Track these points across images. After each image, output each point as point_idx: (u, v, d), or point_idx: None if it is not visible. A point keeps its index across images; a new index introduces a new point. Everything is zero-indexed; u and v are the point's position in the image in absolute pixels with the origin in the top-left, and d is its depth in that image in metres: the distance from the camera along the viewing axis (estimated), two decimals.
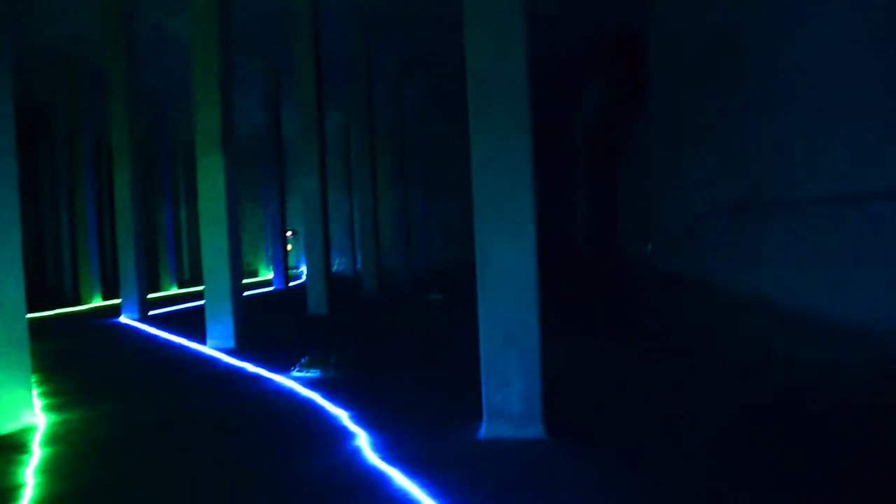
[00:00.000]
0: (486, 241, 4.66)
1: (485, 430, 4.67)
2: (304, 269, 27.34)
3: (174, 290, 19.65)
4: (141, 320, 12.72)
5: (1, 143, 5.48)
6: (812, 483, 3.75)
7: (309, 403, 5.90)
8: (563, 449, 4.37)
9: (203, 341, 9.35)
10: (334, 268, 25.99)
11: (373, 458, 4.38)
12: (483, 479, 3.92)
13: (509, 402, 4.63)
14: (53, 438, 5.15)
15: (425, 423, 5.20)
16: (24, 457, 4.72)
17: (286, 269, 19.59)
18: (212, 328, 9.12)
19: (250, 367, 7.58)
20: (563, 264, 21.82)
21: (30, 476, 4.32)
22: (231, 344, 9.01)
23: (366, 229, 16.39)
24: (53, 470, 4.43)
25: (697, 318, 10.06)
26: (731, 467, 4.03)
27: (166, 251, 20.16)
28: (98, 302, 16.43)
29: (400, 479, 3.96)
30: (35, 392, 6.50)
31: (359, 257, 25.41)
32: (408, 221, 19.85)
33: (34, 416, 5.72)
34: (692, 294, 11.54)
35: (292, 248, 28.50)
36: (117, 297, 15.75)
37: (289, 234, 24.78)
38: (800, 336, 7.12)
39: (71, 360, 8.74)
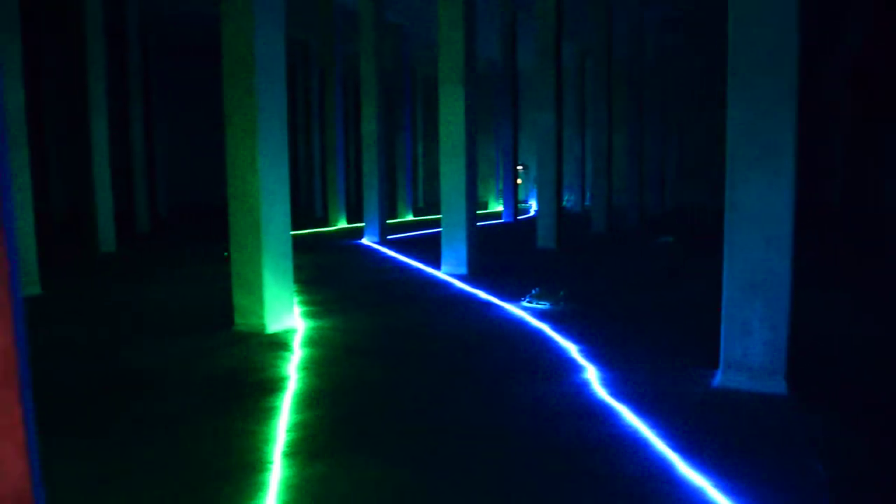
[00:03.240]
0: (736, 178, 4.35)
1: (720, 379, 4.47)
2: (532, 203, 27.56)
3: (409, 218, 20.79)
4: (380, 243, 13.66)
5: (276, 74, 6.05)
6: None
7: (538, 333, 6.01)
8: (805, 407, 4.07)
9: (437, 266, 9.85)
10: (563, 203, 25.94)
11: (601, 392, 4.39)
12: (716, 430, 3.76)
13: (750, 352, 4.38)
14: (310, 341, 5.75)
15: (655, 364, 5.09)
16: (287, 354, 5.33)
17: (516, 202, 19.87)
18: (446, 254, 9.57)
19: (482, 294, 7.87)
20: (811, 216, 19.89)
21: (293, 371, 4.89)
22: (464, 271, 9.39)
23: (598, 166, 16.08)
24: (311, 367, 4.97)
25: None
26: None
27: (404, 180, 21.30)
28: (343, 224, 17.86)
29: (629, 415, 3.93)
30: (295, 300, 7.28)
31: (588, 194, 25.10)
32: (640, 159, 19.15)
33: (295, 320, 6.43)
34: None
35: (522, 183, 28.80)
36: (359, 221, 17.04)
37: (519, 168, 25.04)
38: None
39: (323, 275, 9.64)
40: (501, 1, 18.76)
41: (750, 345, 4.37)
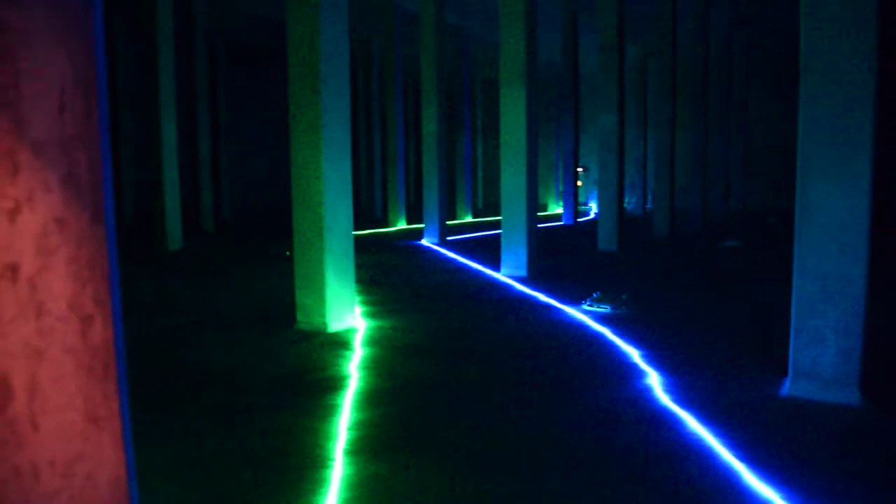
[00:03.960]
0: (809, 181, 4.21)
1: (788, 388, 4.33)
2: (592, 205, 27.25)
3: (468, 219, 20.80)
4: (440, 244, 13.71)
5: (340, 75, 6.14)
6: None
7: (599, 337, 5.94)
8: (880, 419, 3.91)
9: (496, 268, 9.83)
10: (624, 206, 25.58)
11: (664, 398, 4.30)
12: (785, 441, 3.65)
13: (821, 361, 4.23)
14: (371, 340, 5.81)
15: (721, 370, 4.97)
16: (349, 353, 5.40)
17: (576, 204, 19.68)
18: (506, 256, 9.54)
19: (542, 297, 7.82)
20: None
21: (354, 369, 4.94)
22: (523, 273, 9.35)
23: (660, 167, 15.80)
24: (371, 367, 5.02)
25: None
26: None
27: (463, 182, 21.32)
28: (403, 225, 18.00)
29: (693, 423, 3.85)
30: (356, 300, 7.36)
31: (650, 196, 24.69)
32: (705, 161, 18.73)
33: (356, 319, 6.50)
34: None
35: (582, 185, 28.51)
36: (419, 222, 17.12)
37: (580, 170, 24.80)
38: None
39: (383, 275, 9.72)
40: (562, 2, 18.62)
41: (821, 353, 4.22)
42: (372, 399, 4.29)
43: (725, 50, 20.90)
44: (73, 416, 1.36)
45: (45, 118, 1.32)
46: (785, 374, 4.44)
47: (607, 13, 12.42)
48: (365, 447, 3.52)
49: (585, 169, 28.06)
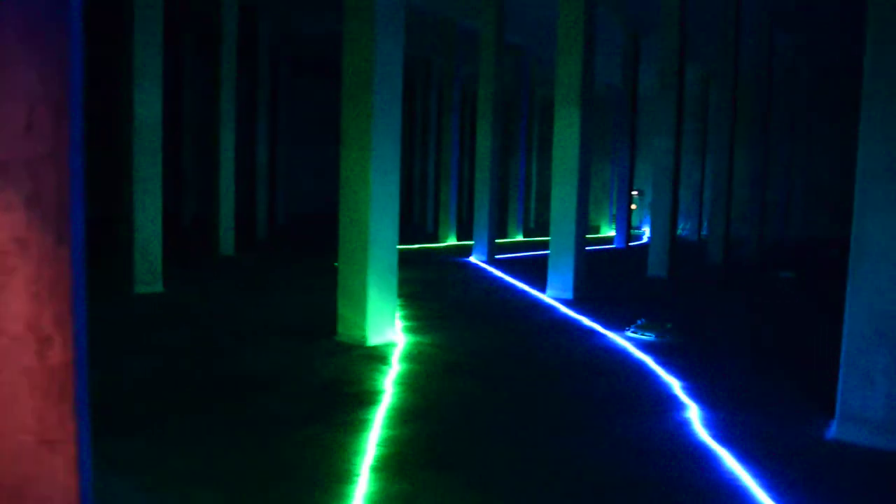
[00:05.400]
0: (865, 217, 4.05)
1: (835, 431, 4.16)
2: (646, 229, 26.85)
3: (519, 238, 20.69)
4: (488, 262, 13.66)
5: (392, 93, 6.19)
6: None
7: (641, 366, 5.81)
8: None
9: (542, 289, 9.74)
10: (678, 232, 25.12)
11: (702, 433, 4.18)
12: (827, 486, 3.50)
13: (870, 405, 4.05)
14: (409, 356, 5.80)
15: (765, 407, 4.81)
16: (385, 367, 5.40)
17: (629, 228, 19.41)
18: (552, 278, 9.44)
19: (585, 321, 7.71)
20: None
21: (389, 385, 4.94)
22: (569, 296, 9.24)
23: (717, 193, 15.48)
24: (407, 383, 5.00)
25: None
26: None
27: (516, 200, 21.25)
28: (452, 241, 18.01)
29: (730, 461, 3.72)
30: (398, 315, 7.37)
31: (705, 223, 24.18)
32: (764, 188, 18.29)
33: (395, 334, 6.51)
34: None
35: (636, 208, 28.13)
36: (469, 239, 17.11)
37: (634, 193, 24.47)
38: None
39: (428, 291, 9.73)
40: (624, 24, 18.49)
41: (870, 397, 4.04)
42: (404, 416, 4.28)
43: (790, 74, 20.43)
44: (26, 438, 1.34)
45: (9, 137, 1.32)
46: (832, 415, 4.26)
47: (669, 35, 12.26)
48: (392, 464, 3.50)
49: (640, 192, 27.69)
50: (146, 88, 8.25)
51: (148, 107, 8.28)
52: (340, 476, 3.33)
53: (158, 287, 8.46)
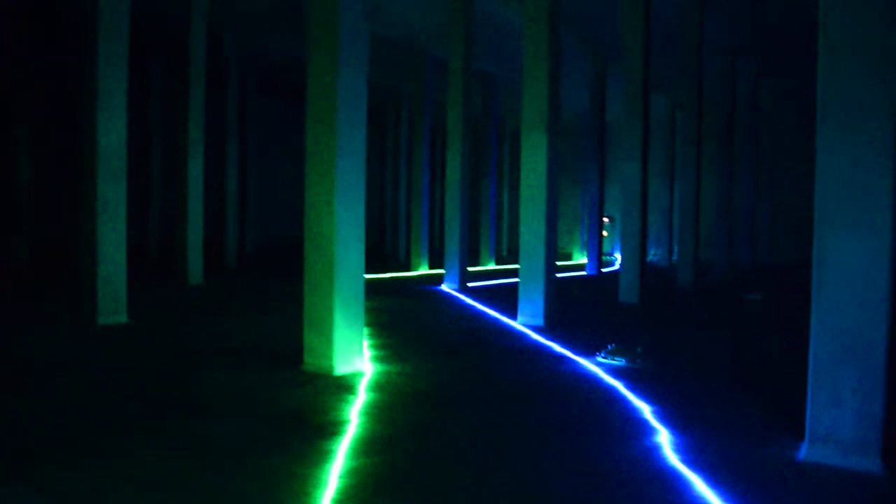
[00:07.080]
0: (825, 236, 4.06)
1: (805, 453, 4.12)
2: (618, 255, 27.01)
3: (491, 265, 20.68)
4: (459, 290, 13.59)
5: (356, 118, 6.15)
6: None
7: (611, 391, 5.76)
8: None
9: (513, 316, 9.68)
10: (649, 257, 25.30)
11: (672, 457, 4.12)
12: None
13: (839, 425, 4.02)
14: (376, 386, 5.68)
15: (735, 430, 4.77)
16: (352, 397, 5.28)
17: (600, 254, 19.49)
18: (523, 304, 9.39)
19: (556, 347, 7.65)
20: None
21: (354, 415, 4.82)
22: (540, 322, 9.19)
23: (685, 218, 15.63)
24: (373, 413, 4.89)
25: None
26: None
27: (487, 228, 21.26)
28: (424, 270, 17.93)
29: (700, 485, 3.66)
30: (365, 343, 7.25)
31: (675, 248, 24.41)
32: (731, 213, 18.52)
33: (363, 363, 6.39)
34: None
35: (608, 235, 28.31)
36: (441, 267, 17.05)
37: (605, 220, 24.64)
38: None
39: (398, 320, 9.62)
40: (592, 52, 18.75)
41: (839, 416, 4.02)
42: (368, 446, 4.16)
43: (753, 101, 20.82)
44: None
45: None
46: (802, 436, 4.23)
47: (633, 64, 12.42)
48: (353, 496, 3.39)
49: (611, 219, 27.91)
50: (110, 114, 8.13)
51: (112, 133, 8.16)
52: None
53: (123, 318, 8.26)
